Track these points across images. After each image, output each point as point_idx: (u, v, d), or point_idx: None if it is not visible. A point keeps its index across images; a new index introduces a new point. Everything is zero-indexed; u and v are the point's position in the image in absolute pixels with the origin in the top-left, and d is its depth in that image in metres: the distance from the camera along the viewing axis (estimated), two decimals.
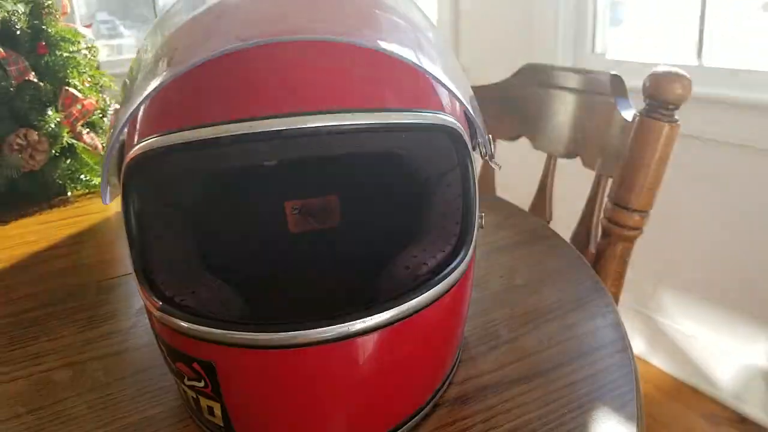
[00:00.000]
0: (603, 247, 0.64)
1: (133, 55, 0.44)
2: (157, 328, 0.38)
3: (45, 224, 0.86)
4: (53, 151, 0.96)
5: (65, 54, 1.00)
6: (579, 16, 1.88)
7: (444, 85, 0.37)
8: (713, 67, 1.47)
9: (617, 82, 0.73)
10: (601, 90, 0.74)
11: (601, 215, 0.66)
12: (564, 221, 0.84)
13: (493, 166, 0.43)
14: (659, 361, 1.67)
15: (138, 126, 0.38)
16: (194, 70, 0.34)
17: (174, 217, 0.42)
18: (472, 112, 0.40)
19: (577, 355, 0.45)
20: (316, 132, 0.34)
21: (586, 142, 0.76)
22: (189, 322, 0.35)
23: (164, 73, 0.35)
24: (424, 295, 0.35)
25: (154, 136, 0.35)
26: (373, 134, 0.38)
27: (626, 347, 0.45)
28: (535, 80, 0.88)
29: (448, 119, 0.39)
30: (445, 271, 0.37)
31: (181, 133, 0.35)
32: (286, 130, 0.33)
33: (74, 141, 1.00)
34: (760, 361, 1.46)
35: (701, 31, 1.54)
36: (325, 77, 0.35)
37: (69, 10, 1.15)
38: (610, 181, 0.73)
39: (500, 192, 0.95)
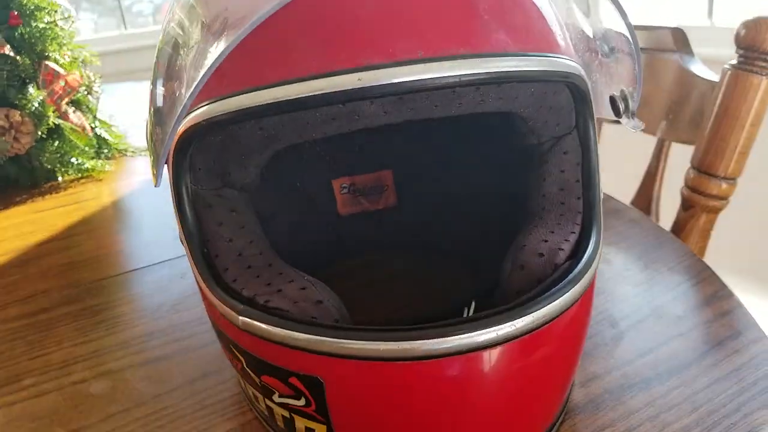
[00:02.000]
0: (684, 220, 0.58)
1: (92, 37, 0.35)
2: (233, 335, 0.31)
3: (39, 213, 0.77)
4: (39, 133, 0.86)
5: (41, 25, 0.90)
6: None
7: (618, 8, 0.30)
8: (725, 27, 1.43)
9: (680, 36, 0.66)
10: (662, 46, 0.68)
11: (678, 184, 0.60)
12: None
13: (630, 127, 0.36)
14: None
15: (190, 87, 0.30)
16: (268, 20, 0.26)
17: (237, 198, 0.35)
18: (633, 44, 0.33)
19: (707, 349, 0.39)
20: (445, 85, 0.26)
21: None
22: (288, 329, 0.27)
23: (228, 33, 0.26)
24: (573, 288, 0.28)
25: (217, 99, 0.27)
26: (503, 88, 0.31)
27: (763, 335, 0.40)
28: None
29: (581, 69, 0.32)
30: (585, 259, 0.31)
31: (258, 92, 0.26)
32: (405, 83, 0.25)
33: (61, 121, 0.90)
34: None
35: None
36: (445, 11, 0.27)
37: None
38: (674, 146, 0.68)
39: None
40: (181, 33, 0.31)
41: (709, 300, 0.44)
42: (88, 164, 0.90)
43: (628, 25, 0.35)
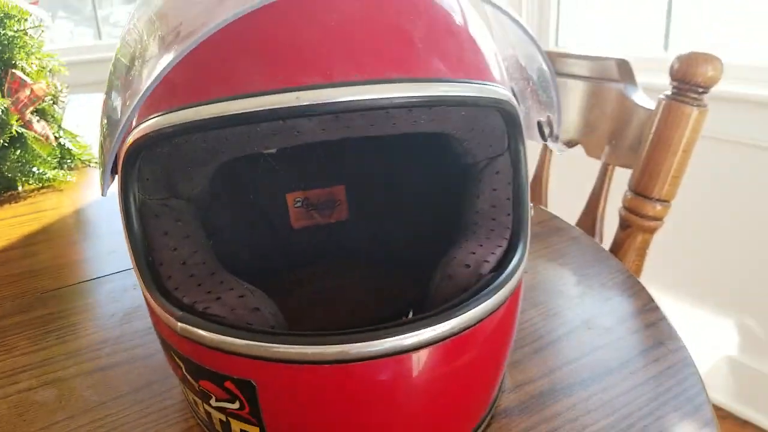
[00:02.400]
0: (622, 239, 0.62)
1: (67, 46, 0.37)
2: (174, 341, 0.32)
3: None
4: (1, 141, 0.86)
5: (10, 33, 0.90)
6: (542, 10, 1.88)
7: (533, 41, 0.33)
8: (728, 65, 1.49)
9: (625, 66, 0.70)
10: (608, 76, 0.72)
11: (617, 206, 0.64)
12: (556, 212, 0.81)
13: (556, 150, 0.39)
14: None
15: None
16: (213, 37, 0.28)
17: (183, 208, 0.36)
18: (551, 76, 0.35)
19: (632, 357, 0.42)
20: (379, 105, 0.28)
21: (591, 130, 0.74)
22: (222, 334, 0.29)
23: (177, 46, 0.28)
24: (492, 298, 0.30)
25: (164, 112, 0.29)
26: (435, 110, 0.33)
27: (683, 345, 0.42)
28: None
29: (510, 95, 0.35)
30: (509, 270, 0.33)
31: (203, 107, 0.28)
32: (340, 102, 0.28)
33: (24, 130, 0.90)
34: (724, 348, 1.50)
35: (668, 23, 1.56)
36: (381, 37, 0.30)
37: None
38: (617, 170, 0.71)
39: None
40: (139, 45, 0.33)
41: (636, 313, 0.47)
42: (50, 174, 0.89)
43: (543, 57, 0.38)
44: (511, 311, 0.34)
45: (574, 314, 0.47)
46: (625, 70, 0.69)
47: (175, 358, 0.33)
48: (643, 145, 0.61)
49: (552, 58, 0.81)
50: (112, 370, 0.44)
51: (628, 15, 1.72)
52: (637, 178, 0.60)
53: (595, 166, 0.75)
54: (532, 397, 0.38)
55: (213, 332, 0.29)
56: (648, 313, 0.47)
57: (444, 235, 0.39)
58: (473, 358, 0.31)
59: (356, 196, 0.54)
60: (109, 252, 0.65)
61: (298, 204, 0.54)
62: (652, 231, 0.61)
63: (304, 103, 0.27)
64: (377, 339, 0.27)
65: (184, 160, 0.33)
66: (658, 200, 0.59)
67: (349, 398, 0.29)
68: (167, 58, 0.28)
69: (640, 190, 0.60)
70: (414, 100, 0.29)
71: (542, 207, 0.80)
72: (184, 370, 0.33)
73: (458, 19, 0.33)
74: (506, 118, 0.36)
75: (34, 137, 0.91)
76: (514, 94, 0.39)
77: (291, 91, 0.27)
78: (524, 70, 0.43)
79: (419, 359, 0.28)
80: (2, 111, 0.85)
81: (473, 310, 0.29)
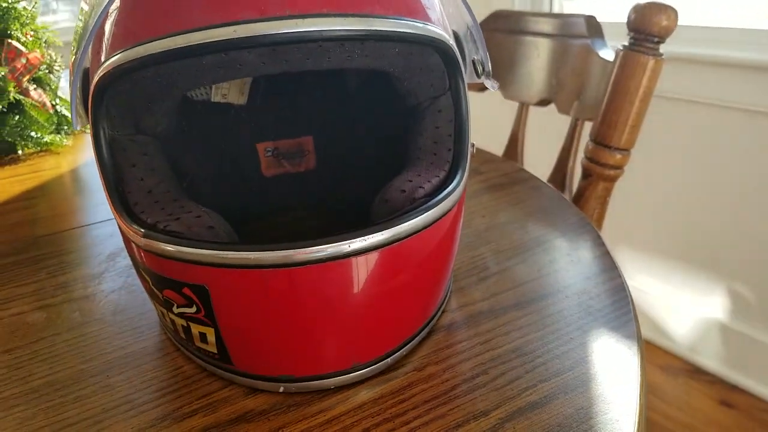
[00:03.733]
0: (583, 188, 0.65)
1: (70, 26, 0.40)
2: (142, 257, 0.36)
3: None
4: (0, 107, 0.90)
5: (4, 4, 0.94)
6: None
7: None
8: (685, 26, 1.49)
9: (592, 23, 0.73)
10: (576, 33, 0.74)
11: (581, 157, 0.67)
12: (534, 171, 0.84)
13: (488, 86, 0.42)
14: None
15: (102, 48, 0.35)
16: None
17: (149, 143, 0.40)
18: (472, 20, 0.38)
19: (569, 283, 0.45)
20: (307, 38, 0.32)
21: (561, 87, 0.76)
22: (178, 245, 0.33)
23: None
24: (421, 216, 0.34)
25: (119, 51, 0.33)
26: (367, 46, 0.36)
27: (619, 275, 0.46)
28: (504, 27, 0.87)
29: (444, 34, 0.38)
30: (442, 195, 0.36)
31: (150, 44, 0.32)
32: (273, 35, 0.31)
33: (21, 97, 0.94)
34: (713, 313, 1.53)
35: None
36: None
37: None
38: (587, 125, 0.74)
39: None
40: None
41: (582, 248, 0.51)
42: (47, 138, 0.93)
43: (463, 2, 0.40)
44: (444, 234, 0.37)
45: (523, 250, 0.50)
46: (593, 26, 0.71)
47: (143, 273, 0.37)
48: (603, 98, 0.63)
49: (522, 17, 0.84)
50: (96, 298, 0.48)
51: None
52: (597, 128, 0.63)
53: (568, 122, 0.78)
54: (471, 316, 0.42)
55: (171, 244, 0.33)
56: (594, 248, 0.50)
57: (392, 172, 0.43)
58: (405, 269, 0.35)
59: (323, 146, 0.58)
60: (98, 204, 0.69)
61: (269, 153, 0.58)
62: (612, 179, 0.64)
63: (241, 36, 0.30)
64: (315, 246, 0.31)
65: (143, 95, 0.36)
66: (617, 149, 0.62)
67: (292, 300, 0.33)
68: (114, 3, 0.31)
69: (600, 140, 0.62)
70: (341, 33, 0.32)
71: (522, 167, 0.83)
72: (150, 284, 0.37)
73: None
74: (444, 57, 0.39)
75: (32, 104, 0.95)
76: (458, 37, 0.42)
77: (229, 25, 0.31)
78: (465, 14, 0.46)
79: (356, 265, 0.32)
80: (0, 78, 0.89)
81: (401, 225, 0.33)
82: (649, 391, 1.49)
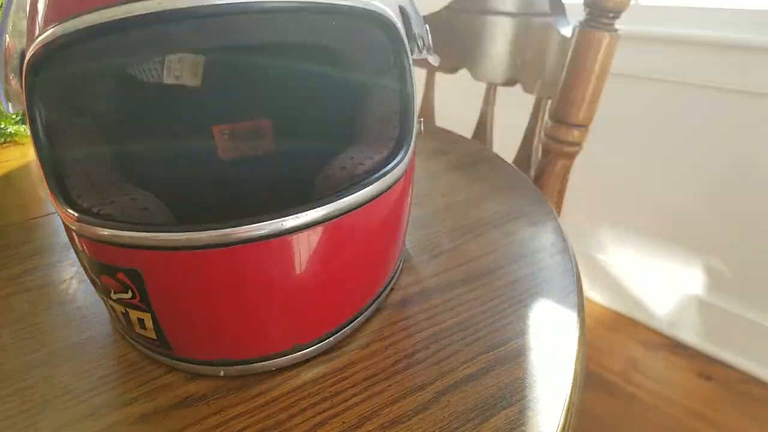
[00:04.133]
0: (543, 166, 0.65)
1: None
2: (78, 242, 0.36)
3: None
4: None
5: None
6: None
7: None
8: (648, 5, 1.49)
9: (555, 1, 0.72)
10: (539, 11, 0.74)
11: (542, 136, 0.67)
12: (504, 152, 0.84)
13: (431, 60, 0.42)
14: (599, 297, 1.74)
15: (35, 26, 0.34)
16: None
17: (87, 127, 0.39)
18: None
19: (517, 257, 0.45)
20: (234, 10, 0.31)
21: (525, 66, 0.76)
22: (110, 228, 0.32)
23: None
24: (359, 192, 0.34)
25: (50, 27, 0.32)
26: (300, 18, 0.35)
27: (566, 248, 0.46)
28: (471, 8, 0.87)
29: (383, 7, 0.37)
30: (382, 171, 0.36)
31: (77, 18, 0.31)
32: (198, 7, 0.30)
33: None
34: (692, 289, 1.54)
35: None
36: None
37: None
38: (550, 103, 0.74)
39: (440, 125, 0.94)
40: None
41: (535, 223, 0.51)
42: (12, 129, 0.92)
43: None
44: (388, 209, 0.37)
45: (476, 227, 0.50)
46: (555, 4, 0.71)
47: (81, 259, 0.37)
48: (562, 75, 0.63)
49: None
50: (47, 288, 0.47)
51: None
52: (556, 105, 0.63)
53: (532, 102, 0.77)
54: (420, 292, 0.42)
55: (102, 227, 0.33)
56: (546, 222, 0.50)
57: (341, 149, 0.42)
58: (345, 246, 0.35)
59: (280, 128, 0.57)
60: None
61: (226, 136, 0.57)
62: (571, 156, 0.64)
63: (167, 8, 0.30)
64: (249, 224, 0.31)
65: (76, 74, 0.36)
66: (575, 125, 0.62)
67: (228, 282, 0.32)
68: None
69: (558, 117, 0.62)
70: (270, 6, 0.31)
71: (486, 147, 0.83)
72: (88, 270, 0.36)
73: None
74: (387, 32, 0.38)
75: None
76: (404, 12, 0.42)
77: None
78: None
79: (294, 243, 0.32)
80: None
81: (338, 201, 0.33)
82: (630, 366, 1.50)
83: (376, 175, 0.36)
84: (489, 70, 0.83)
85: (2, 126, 0.91)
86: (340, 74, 0.43)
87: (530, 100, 0.78)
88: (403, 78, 0.41)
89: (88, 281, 0.47)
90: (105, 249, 0.33)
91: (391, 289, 0.42)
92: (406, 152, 0.38)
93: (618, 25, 0.59)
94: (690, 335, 1.56)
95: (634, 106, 1.51)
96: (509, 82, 0.82)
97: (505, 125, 0.94)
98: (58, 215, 0.37)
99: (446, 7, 0.90)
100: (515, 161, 0.76)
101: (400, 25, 0.39)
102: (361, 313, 0.38)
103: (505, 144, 0.94)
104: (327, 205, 0.32)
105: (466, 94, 1.11)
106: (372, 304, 0.39)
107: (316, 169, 0.53)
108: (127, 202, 0.35)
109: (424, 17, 0.93)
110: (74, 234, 0.35)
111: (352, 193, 0.34)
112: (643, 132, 1.52)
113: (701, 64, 1.34)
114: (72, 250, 0.54)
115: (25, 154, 0.87)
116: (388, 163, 0.37)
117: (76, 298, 0.45)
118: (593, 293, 1.75)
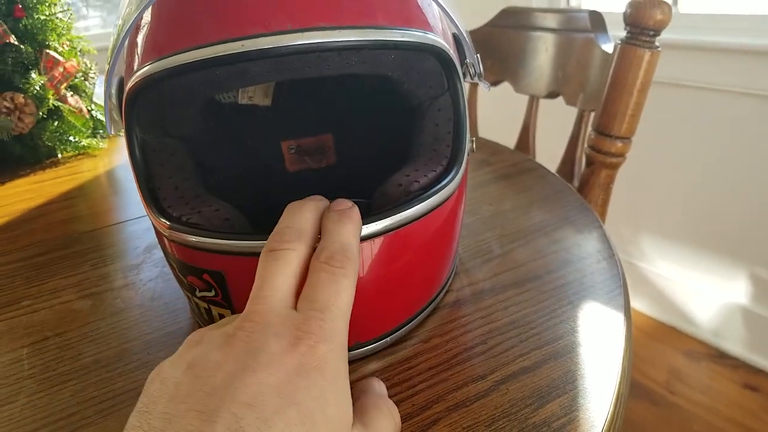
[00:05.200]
0: (587, 176, 0.68)
1: (100, 32, 0.44)
2: (168, 247, 0.41)
3: (39, 183, 0.87)
4: (40, 114, 0.96)
5: (42, 17, 1.00)
6: None
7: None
8: (690, 14, 1.50)
9: (596, 17, 0.75)
10: (581, 27, 0.77)
11: (585, 147, 0.70)
12: (546, 162, 0.87)
13: (482, 87, 0.45)
14: (641, 305, 1.74)
15: (134, 60, 0.40)
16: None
17: (176, 146, 0.44)
18: (460, 28, 0.42)
19: (565, 263, 0.49)
20: (305, 49, 0.35)
21: (567, 80, 0.79)
22: (198, 236, 0.37)
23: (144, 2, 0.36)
24: (415, 207, 0.38)
25: (148, 63, 0.37)
26: (363, 54, 0.40)
27: (612, 254, 0.49)
28: (514, 24, 0.90)
29: (438, 39, 0.41)
30: (437, 187, 0.40)
31: (172, 57, 0.36)
32: (276, 48, 0.34)
33: (60, 104, 1.00)
34: (736, 298, 1.53)
35: None
36: None
37: None
38: (592, 116, 0.76)
39: (483, 136, 0.98)
40: (125, 11, 0.41)
41: (582, 230, 0.54)
42: (85, 142, 1.00)
43: (442, 8, 0.43)
44: (443, 220, 0.41)
45: (524, 234, 0.54)
46: (596, 21, 0.74)
47: (171, 262, 0.42)
48: (604, 89, 0.66)
49: (531, 13, 0.86)
50: (135, 286, 0.53)
51: None
52: (599, 118, 0.66)
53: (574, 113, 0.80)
54: (474, 294, 0.45)
55: (192, 234, 0.37)
56: (593, 230, 0.53)
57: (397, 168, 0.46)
58: (403, 255, 0.39)
59: (341, 144, 0.62)
60: (133, 202, 0.75)
61: (292, 150, 0.63)
62: (614, 167, 0.67)
63: (249, 49, 0.34)
64: None
65: (168, 102, 0.41)
66: (618, 137, 0.64)
67: None
68: (136, 12, 0.36)
69: (601, 129, 0.65)
70: (337, 44, 0.36)
71: (530, 157, 0.86)
72: (176, 270, 0.41)
73: None
74: (440, 60, 0.42)
75: (69, 110, 1.02)
76: (458, 39, 0.46)
77: (237, 40, 0.35)
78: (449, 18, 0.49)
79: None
80: (40, 87, 0.96)
81: (395, 216, 0.37)
82: (672, 376, 1.50)
83: (430, 191, 0.39)
84: (531, 84, 0.87)
85: (76, 139, 0.99)
86: (397, 98, 0.47)
87: (570, 111, 0.80)
88: (456, 102, 0.44)
89: (171, 281, 0.52)
90: (193, 253, 0.38)
91: (447, 291, 0.46)
92: (458, 170, 0.42)
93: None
94: (734, 345, 1.55)
95: (678, 114, 1.51)
96: (551, 95, 0.85)
97: (545, 135, 0.97)
98: (150, 220, 0.42)
99: (489, 24, 0.93)
100: (559, 171, 0.79)
101: (453, 54, 0.43)
102: (418, 314, 0.42)
103: (547, 154, 0.97)
104: (386, 219, 0.36)
105: (508, 105, 1.15)
106: (428, 305, 0.43)
107: (374, 182, 0.58)
108: (211, 213, 0.40)
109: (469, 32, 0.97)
110: (165, 239, 0.40)
111: (409, 208, 0.37)
112: (685, 139, 1.52)
113: (745, 71, 1.34)
114: (152, 253, 0.59)
115: (96, 166, 0.94)
116: (442, 180, 0.41)
117: (162, 295, 0.50)
118: (635, 302, 1.75)
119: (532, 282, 0.46)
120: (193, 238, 0.37)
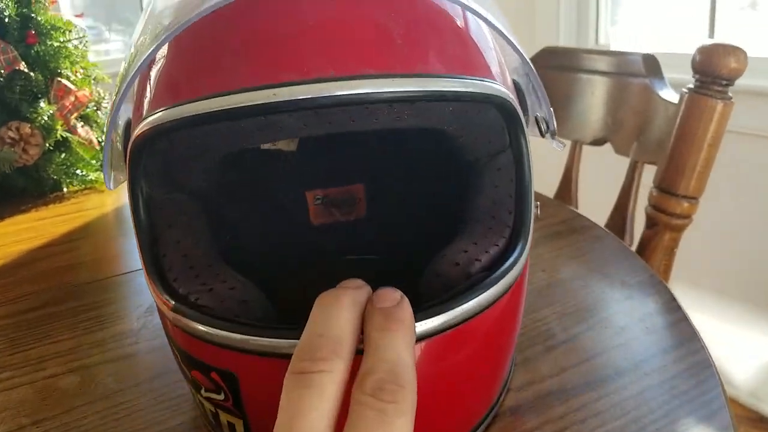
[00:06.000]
0: (648, 238, 0.60)
1: (121, 56, 0.38)
2: (171, 330, 0.34)
3: (40, 221, 0.81)
4: (47, 145, 0.91)
5: (55, 44, 0.95)
6: (580, 7, 1.85)
7: (509, 41, 0.32)
8: (756, 57, 1.44)
9: (651, 61, 0.69)
10: (634, 71, 0.70)
11: (644, 204, 0.62)
12: (588, 212, 0.80)
13: (555, 146, 0.38)
14: None
15: (144, 102, 0.33)
16: (200, 33, 0.30)
17: (187, 203, 0.37)
18: (536, 78, 0.35)
19: (646, 357, 0.40)
20: (350, 101, 0.28)
21: (618, 127, 0.72)
22: (206, 324, 0.30)
23: (160, 37, 0.29)
24: (481, 296, 0.30)
25: (161, 110, 0.30)
26: (417, 106, 0.33)
27: (702, 346, 0.41)
28: (556, 64, 0.84)
29: (503, 89, 0.34)
30: (503, 268, 0.32)
31: (190, 105, 0.29)
32: (314, 98, 0.28)
33: (68, 134, 0.95)
34: None
35: (712, 20, 1.50)
36: (359, 34, 0.29)
37: None
38: (646, 167, 0.69)
39: None
40: (136, 44, 0.35)
41: (656, 312, 0.46)
42: (92, 176, 0.94)
43: (519, 54, 0.36)
44: (507, 311, 0.33)
45: (590, 313, 0.46)
46: (651, 65, 0.67)
47: (173, 347, 0.34)
48: (668, 140, 0.59)
49: (575, 54, 0.80)
50: (133, 359, 0.45)
51: (671, 10, 1.67)
52: (663, 174, 0.58)
53: (625, 163, 0.73)
54: (540, 397, 0.37)
55: (199, 322, 0.30)
56: (669, 313, 0.45)
57: (446, 234, 0.39)
58: (463, 357, 0.31)
59: (374, 195, 0.55)
60: None
61: (318, 201, 0.55)
62: (679, 229, 0.59)
63: (280, 99, 0.27)
64: None
65: (180, 154, 0.34)
66: (685, 197, 0.57)
67: None
68: (150, 48, 0.29)
69: (665, 187, 0.58)
70: (389, 95, 0.29)
71: (572, 208, 0.79)
72: (179, 359, 0.34)
73: (444, 16, 0.33)
74: (503, 113, 0.35)
75: (78, 141, 0.96)
76: (519, 89, 0.39)
77: (268, 88, 0.28)
78: (526, 65, 0.43)
79: None
80: (48, 116, 0.90)
81: (455, 310, 0.29)
82: None
83: (495, 275, 0.32)
84: (576, 128, 0.79)
85: (84, 173, 0.93)
86: (446, 150, 0.40)
87: (612, 157, 0.73)
88: (520, 160, 0.37)
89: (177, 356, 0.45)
90: (200, 345, 0.31)
91: (507, 390, 0.38)
92: (524, 245, 0.35)
93: None
94: None
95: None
96: (597, 142, 0.78)
97: (584, 181, 0.90)
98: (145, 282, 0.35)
99: (533, 60, 0.87)
100: (608, 227, 0.71)
101: (518, 104, 0.36)
102: (481, 424, 0.34)
103: (587, 205, 0.89)
104: (443, 315, 0.29)
105: (545, 147, 1.07)
106: (491, 411, 0.35)
107: (411, 240, 0.50)
108: (226, 292, 0.33)
109: None
110: (168, 322, 0.33)
111: (472, 298, 0.30)
112: (725, 187, 1.44)
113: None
114: (155, 316, 0.52)
115: (104, 203, 0.88)
116: (507, 259, 0.33)
117: (163, 374, 0.43)
118: None
119: (609, 383, 0.38)
120: (202, 327, 0.30)
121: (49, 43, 0.94)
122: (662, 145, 0.62)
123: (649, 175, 0.70)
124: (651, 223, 0.60)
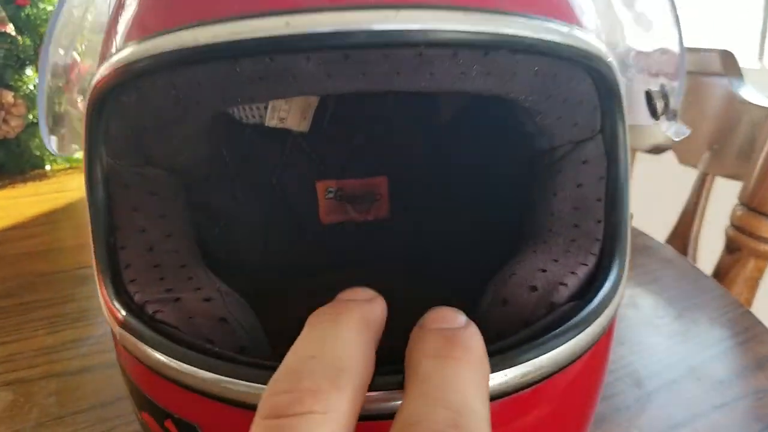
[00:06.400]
0: (727, 265, 0.50)
1: None
2: (118, 350, 0.24)
3: (14, 199, 0.72)
4: (31, 117, 0.82)
5: (49, 7, 0.87)
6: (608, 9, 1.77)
7: None
8: None
9: (729, 59, 0.59)
10: (710, 70, 0.60)
11: (724, 224, 0.52)
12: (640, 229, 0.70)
13: (672, 133, 0.28)
14: None
15: (111, 41, 0.25)
16: None
17: (161, 181, 0.28)
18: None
19: (764, 426, 0.30)
20: (398, 41, 0.19)
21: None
22: (164, 352, 0.20)
23: None
24: (578, 337, 0.20)
25: (129, 44, 0.22)
26: (493, 60, 0.22)
27: None
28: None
29: (605, 49, 0.24)
30: (599, 298, 0.23)
31: (168, 35, 0.21)
32: (345, 33, 0.19)
33: (70, 108, 0.86)
34: None
35: (763, 32, 1.42)
36: None
37: None
38: (718, 181, 0.59)
39: None
40: None
41: (760, 363, 0.35)
42: (79, 154, 0.85)
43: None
44: (596, 360, 0.24)
45: (676, 358, 0.35)
46: (729, 63, 0.58)
47: (121, 370, 0.25)
48: (758, 151, 0.49)
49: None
50: (84, 376, 0.36)
51: (721, 24, 1.58)
52: (751, 190, 0.48)
53: (688, 175, 0.63)
54: None
55: (154, 347, 0.21)
56: None
57: (505, 244, 0.29)
58: (535, 423, 0.21)
59: (401, 191, 0.44)
60: None
61: (330, 195, 0.45)
62: (767, 257, 0.49)
63: (296, 32, 0.19)
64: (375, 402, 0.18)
65: (154, 113, 0.24)
66: None
67: None
68: None
69: (754, 205, 0.48)
70: (456, 37, 0.20)
71: (641, 231, 0.69)
72: (128, 390, 0.24)
73: None
74: (600, 84, 0.25)
75: (79, 118, 0.87)
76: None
77: (279, 14, 0.19)
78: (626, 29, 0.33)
79: None
80: (34, 85, 0.82)
81: (539, 359, 0.19)
82: None
83: (593, 307, 0.22)
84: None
85: (75, 146, 0.84)
86: (513, 135, 0.30)
87: (671, 168, 0.63)
88: (615, 150, 0.27)
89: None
90: (153, 379, 0.21)
91: None
92: (622, 265, 0.25)
93: None
94: None
95: None
96: (656, 150, 0.68)
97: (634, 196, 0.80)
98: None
99: None
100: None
101: (619, 75, 0.26)
102: None
103: (636, 218, 0.79)
104: (525, 364, 0.19)
105: None
106: None
107: (452, 255, 0.40)
108: (197, 304, 0.23)
109: None
110: (116, 340, 0.23)
111: (566, 340, 0.20)
112: None
113: None
114: None
115: None
116: (601, 284, 0.24)
117: (120, 399, 0.33)
118: None
119: None
120: (158, 355, 0.21)
121: (42, 6, 0.85)
122: (746, 156, 0.52)
123: (721, 191, 0.60)
124: (733, 247, 0.50)
